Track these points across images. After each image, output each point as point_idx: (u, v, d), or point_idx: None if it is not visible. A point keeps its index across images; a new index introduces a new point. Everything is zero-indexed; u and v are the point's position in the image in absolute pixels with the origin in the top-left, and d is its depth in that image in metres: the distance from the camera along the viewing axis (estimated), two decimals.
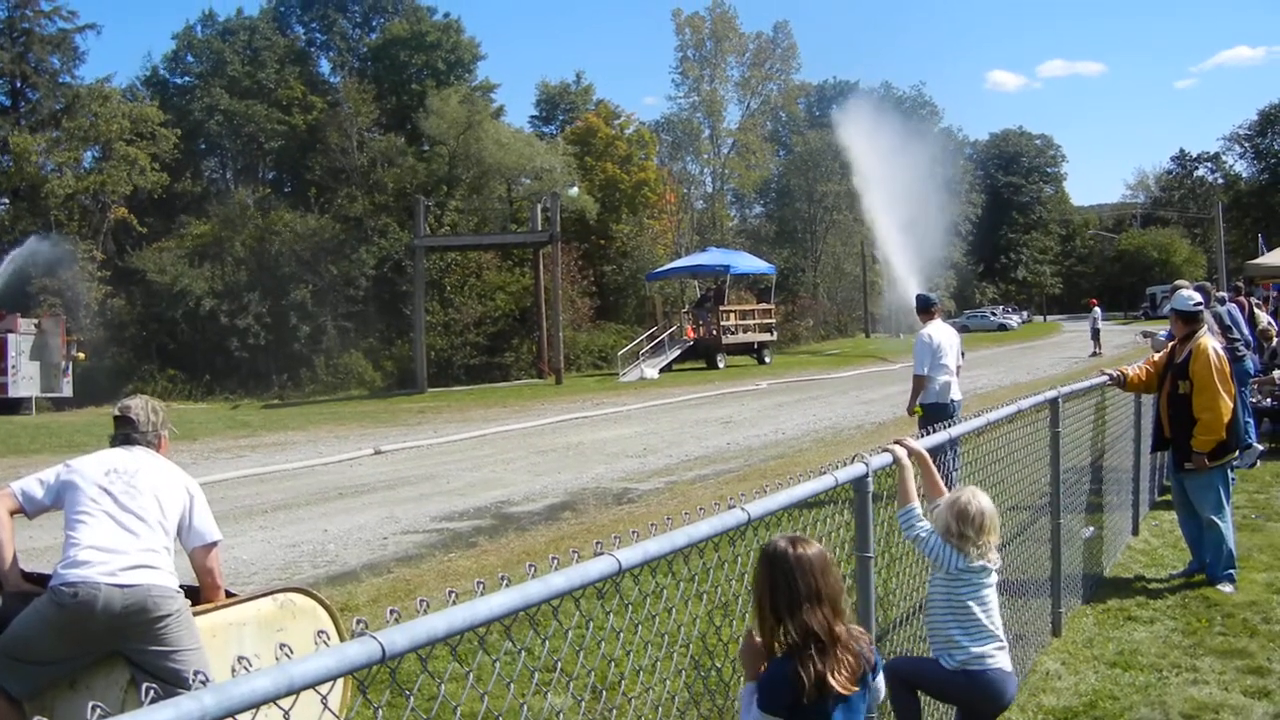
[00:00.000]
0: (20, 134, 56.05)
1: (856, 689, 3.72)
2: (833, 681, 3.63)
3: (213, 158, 75.73)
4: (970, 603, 5.39)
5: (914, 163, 75.03)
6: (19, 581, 5.39)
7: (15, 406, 41.86)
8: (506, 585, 2.83)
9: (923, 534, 5.38)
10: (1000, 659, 5.42)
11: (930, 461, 5.65)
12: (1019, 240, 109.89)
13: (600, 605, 3.74)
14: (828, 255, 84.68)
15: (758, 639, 3.87)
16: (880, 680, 4.02)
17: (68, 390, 45.29)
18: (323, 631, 2.84)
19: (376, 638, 2.40)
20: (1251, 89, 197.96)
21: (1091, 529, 9.76)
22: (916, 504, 5.45)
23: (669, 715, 4.48)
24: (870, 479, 4.95)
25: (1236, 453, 10.24)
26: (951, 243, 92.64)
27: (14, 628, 5.06)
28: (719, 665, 4.65)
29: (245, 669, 2.25)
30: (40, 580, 5.38)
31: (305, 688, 2.24)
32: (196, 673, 2.25)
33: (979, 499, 5.44)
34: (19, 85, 60.92)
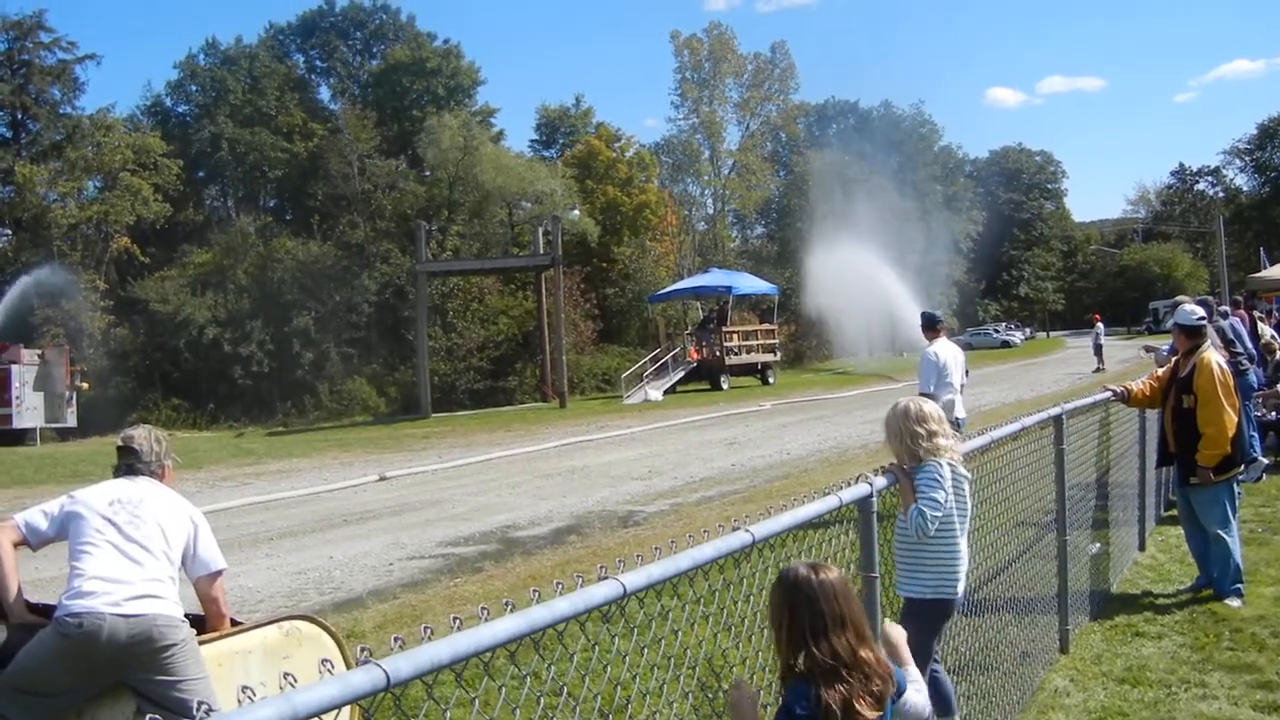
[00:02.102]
0: (23, 165, 56.16)
1: (879, 713, 3.69)
2: (859, 707, 3.60)
3: (214, 186, 75.80)
4: (966, 515, 5.77)
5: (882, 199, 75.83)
6: (24, 613, 5.39)
7: (20, 437, 41.82)
8: (510, 610, 2.83)
9: (923, 503, 5.51)
10: None
11: None
12: (1021, 257, 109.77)
13: (606, 629, 3.73)
14: None
15: (747, 690, 3.86)
16: (911, 694, 4.02)
17: (72, 420, 45.31)
18: (327, 660, 2.83)
19: (381, 665, 2.39)
20: (1251, 102, 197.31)
21: (1098, 545, 9.74)
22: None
23: None
24: (875, 499, 4.96)
25: (1242, 467, 10.23)
26: (953, 260, 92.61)
27: (20, 659, 5.06)
28: (725, 688, 4.63)
29: (249, 699, 2.25)
30: (45, 611, 5.37)
31: (309, 717, 2.23)
32: (200, 704, 2.24)
33: (909, 401, 5.71)
34: (19, 117, 61.05)
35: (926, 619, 5.71)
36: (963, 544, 5.70)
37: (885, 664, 3.80)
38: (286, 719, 2.18)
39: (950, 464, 5.58)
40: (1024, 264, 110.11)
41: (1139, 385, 10.11)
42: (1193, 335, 9.70)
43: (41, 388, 43.92)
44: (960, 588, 5.71)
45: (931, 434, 5.55)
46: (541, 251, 50.86)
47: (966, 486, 5.74)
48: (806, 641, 3.65)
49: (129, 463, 5.75)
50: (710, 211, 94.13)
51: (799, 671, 3.69)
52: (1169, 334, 11.06)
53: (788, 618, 3.71)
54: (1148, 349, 17.56)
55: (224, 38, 76.15)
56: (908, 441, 5.58)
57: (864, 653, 3.68)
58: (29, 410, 43.08)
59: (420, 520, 17.64)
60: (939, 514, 5.48)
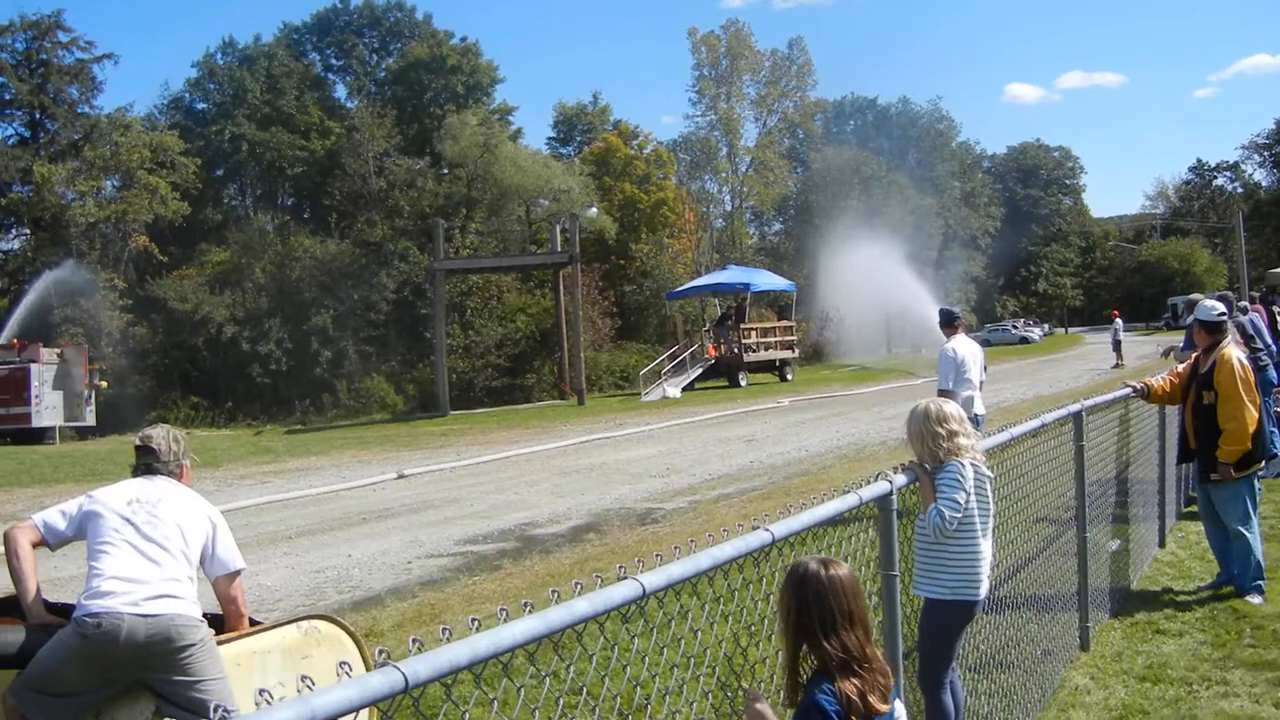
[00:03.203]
0: (42, 164, 56.39)
1: (889, 708, 3.70)
2: (872, 700, 3.61)
3: (232, 184, 76.07)
4: (988, 515, 5.75)
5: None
6: (42, 613, 5.39)
7: (39, 436, 41.95)
8: (529, 611, 2.81)
9: (943, 503, 5.46)
10: None
11: None
12: (1039, 253, 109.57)
13: (625, 628, 3.72)
14: None
15: (755, 699, 3.84)
16: (899, 704, 4.01)
17: (90, 419, 45.40)
18: (345, 662, 2.82)
19: (399, 668, 2.38)
20: (1271, 97, 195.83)
21: (1118, 542, 9.70)
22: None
23: None
24: (895, 497, 4.94)
25: (1262, 463, 10.16)
26: (971, 256, 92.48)
27: (38, 659, 5.06)
28: (745, 686, 4.62)
29: (267, 701, 2.24)
30: (64, 611, 5.37)
31: None
32: (217, 707, 2.23)
33: (929, 402, 5.67)
34: (38, 116, 61.34)
35: (946, 620, 5.68)
36: (985, 545, 5.65)
37: (884, 662, 3.82)
38: None
39: (973, 464, 5.56)
40: (1042, 260, 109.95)
41: (1159, 381, 10.07)
42: (1213, 331, 9.64)
43: (60, 386, 44.02)
44: (983, 590, 5.66)
45: (952, 434, 5.52)
46: (559, 249, 50.84)
47: (989, 486, 5.71)
48: (816, 636, 3.66)
49: (147, 462, 5.75)
50: (728, 208, 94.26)
51: (817, 667, 3.70)
52: (1184, 330, 11.02)
53: (796, 612, 3.72)
54: (1166, 352, 17.30)
55: (239, 36, 76.52)
56: (929, 442, 5.55)
57: (869, 649, 3.70)
58: (48, 409, 43.19)
59: (439, 518, 17.63)
60: (958, 515, 5.45)
